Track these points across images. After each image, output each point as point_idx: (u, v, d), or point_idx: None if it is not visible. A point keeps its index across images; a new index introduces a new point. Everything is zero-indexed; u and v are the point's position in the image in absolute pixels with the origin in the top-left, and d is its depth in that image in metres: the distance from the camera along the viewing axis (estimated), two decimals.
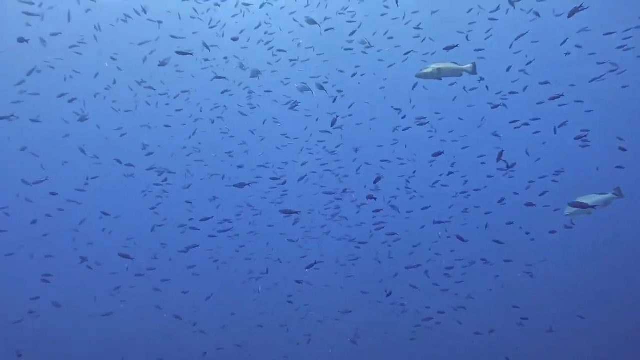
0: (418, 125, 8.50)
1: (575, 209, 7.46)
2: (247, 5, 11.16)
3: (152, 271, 23.55)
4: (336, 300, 23.01)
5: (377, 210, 10.01)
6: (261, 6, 12.26)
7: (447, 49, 8.00)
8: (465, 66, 7.22)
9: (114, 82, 12.26)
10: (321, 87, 12.15)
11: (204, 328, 20.32)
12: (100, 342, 19.17)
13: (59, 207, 15.49)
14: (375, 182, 7.79)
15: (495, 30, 17.57)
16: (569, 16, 6.56)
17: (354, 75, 10.22)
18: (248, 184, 7.34)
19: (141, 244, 27.43)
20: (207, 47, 8.84)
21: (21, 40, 7.45)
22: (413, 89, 7.08)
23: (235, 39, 8.20)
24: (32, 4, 9.35)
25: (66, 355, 18.20)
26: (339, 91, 13.29)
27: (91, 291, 23.32)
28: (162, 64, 9.27)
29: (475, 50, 9.65)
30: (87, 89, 20.70)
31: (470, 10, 13.60)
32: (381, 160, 13.02)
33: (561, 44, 11.72)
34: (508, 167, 7.31)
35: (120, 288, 22.54)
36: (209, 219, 8.90)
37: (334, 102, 10.97)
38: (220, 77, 8.74)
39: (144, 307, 22.21)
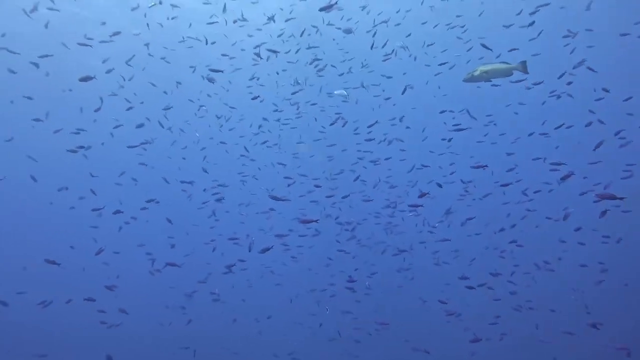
0: (456, 130, 8.38)
1: None
2: (290, 19, 11.53)
3: (207, 283, 24.46)
4: (392, 309, 22.68)
5: (417, 218, 9.88)
6: (301, 34, 12.66)
7: (485, 47, 7.86)
8: (515, 65, 7.06)
9: (169, 107, 13.16)
10: (363, 86, 12.32)
11: (266, 336, 20.77)
12: (171, 347, 20.16)
13: (125, 221, 16.77)
14: (420, 197, 7.78)
15: (547, 25, 16.88)
16: None
17: (404, 91, 10.22)
18: (284, 199, 7.58)
19: (199, 257, 28.63)
20: (259, 56, 9.32)
21: (86, 79, 8.22)
22: (465, 81, 7.04)
23: (274, 52, 8.60)
24: (116, 39, 10.24)
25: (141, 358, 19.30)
26: (387, 99, 13.34)
27: (159, 301, 24.62)
28: (211, 80, 9.93)
29: (510, 50, 9.35)
30: (148, 113, 22.24)
31: (520, 12, 13.21)
32: (423, 166, 12.84)
33: (622, 35, 11.07)
34: (565, 177, 7.00)
35: (186, 297, 23.57)
36: (234, 238, 9.20)
37: (370, 126, 11.05)
38: (255, 98, 9.18)
39: (206, 316, 23.11)
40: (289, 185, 12.99)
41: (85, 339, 20.60)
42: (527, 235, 23.96)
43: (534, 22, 10.39)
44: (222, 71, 7.48)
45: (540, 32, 13.96)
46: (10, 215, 26.60)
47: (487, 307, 20.56)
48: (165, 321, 22.67)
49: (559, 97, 11.52)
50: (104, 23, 12.53)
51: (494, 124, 14.19)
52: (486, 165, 7.60)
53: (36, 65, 9.93)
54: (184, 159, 17.37)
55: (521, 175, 23.49)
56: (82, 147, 8.52)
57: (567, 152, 22.41)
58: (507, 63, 7.17)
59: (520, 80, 7.76)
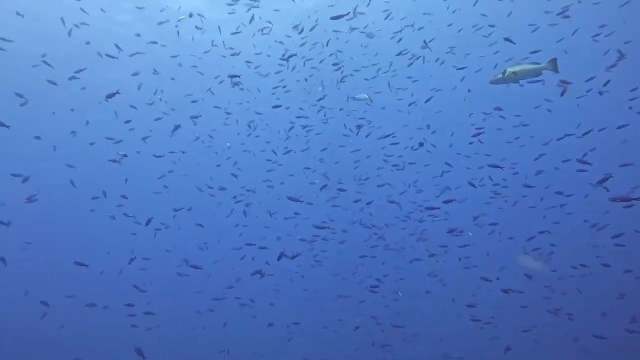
0: (476, 135, 8.24)
1: None
2: (314, 27, 11.68)
3: (234, 289, 24.73)
4: (422, 314, 22.36)
5: (453, 231, 9.72)
6: (327, 43, 12.82)
7: (507, 40, 7.69)
8: (544, 64, 6.91)
9: (198, 116, 13.56)
10: (389, 85, 12.31)
11: (297, 341, 20.85)
12: (207, 348, 20.52)
13: (157, 228, 17.36)
14: (445, 203, 7.73)
15: (582, 23, 16.41)
16: None
17: (428, 100, 10.20)
18: (300, 200, 7.70)
19: (228, 263, 29.05)
20: (287, 60, 9.53)
21: (111, 95, 8.47)
22: (492, 83, 6.94)
23: (294, 55, 8.77)
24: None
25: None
26: (411, 104, 13.28)
27: (191, 305, 25.12)
28: (237, 83, 10.18)
29: (531, 52, 9.09)
30: (178, 122, 22.89)
31: (548, 12, 12.93)
32: (447, 164, 12.66)
33: None
34: (602, 180, 6.79)
35: (212, 302, 23.94)
36: (251, 244, 9.34)
37: (388, 136, 11.03)
38: (277, 107, 9.34)
39: (234, 320, 23.41)
40: (321, 189, 13.08)
41: (119, 342, 21.23)
42: (562, 239, 23.21)
43: (568, 16, 10.11)
44: (239, 76, 7.72)
45: (575, 31, 13.58)
46: (54, 222, 27.83)
47: (521, 313, 19.98)
48: (197, 325, 23.10)
49: (600, 93, 11.12)
50: (138, 35, 13.08)
51: (523, 125, 13.86)
52: (502, 167, 7.47)
53: (76, 77, 10.46)
54: (218, 165, 17.83)
55: (555, 177, 22.81)
56: (125, 155, 8.89)
57: (604, 154, 21.62)
58: (537, 63, 7.02)
59: (537, 81, 7.55)
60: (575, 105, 19.60)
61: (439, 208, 7.09)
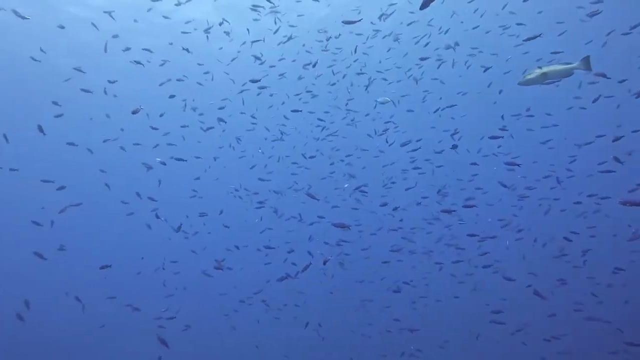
0: (490, 138, 8.09)
1: None
2: (339, 36, 11.73)
3: (261, 291, 24.95)
4: (450, 320, 21.98)
5: (475, 235, 9.56)
6: (355, 50, 12.94)
7: (528, 39, 7.53)
8: (575, 64, 6.72)
9: (223, 120, 13.86)
10: (416, 81, 12.26)
11: (324, 344, 20.86)
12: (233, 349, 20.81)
13: (185, 232, 17.85)
14: (465, 207, 7.70)
15: (616, 23, 15.84)
16: None
17: (451, 106, 10.09)
18: (317, 199, 7.81)
19: (255, 266, 29.39)
20: (313, 66, 9.72)
21: (135, 111, 8.77)
22: (521, 84, 6.84)
23: (315, 64, 8.89)
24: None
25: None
26: (435, 111, 13.15)
27: (218, 308, 25.54)
28: (262, 87, 10.38)
29: (552, 53, 8.83)
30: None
31: (580, 8, 12.58)
32: (473, 164, 12.40)
33: None
34: None
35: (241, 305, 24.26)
36: (270, 247, 9.42)
37: (405, 144, 10.93)
38: (296, 111, 9.46)
39: (263, 322, 23.64)
40: (351, 193, 13.12)
41: (147, 345, 21.81)
42: (599, 243, 22.37)
43: (600, 11, 9.79)
44: (259, 80, 7.92)
45: (610, 32, 13.10)
46: (91, 226, 28.95)
47: (553, 321, 19.34)
48: (224, 325, 23.45)
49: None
50: (171, 43, 13.55)
51: (554, 125, 13.48)
52: (519, 164, 7.32)
53: (111, 82, 10.96)
54: (252, 167, 18.23)
55: (590, 180, 22.03)
56: (163, 163, 9.24)
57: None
58: (568, 63, 6.83)
59: (553, 82, 7.31)
60: (605, 104, 18.90)
61: (455, 210, 7.04)
